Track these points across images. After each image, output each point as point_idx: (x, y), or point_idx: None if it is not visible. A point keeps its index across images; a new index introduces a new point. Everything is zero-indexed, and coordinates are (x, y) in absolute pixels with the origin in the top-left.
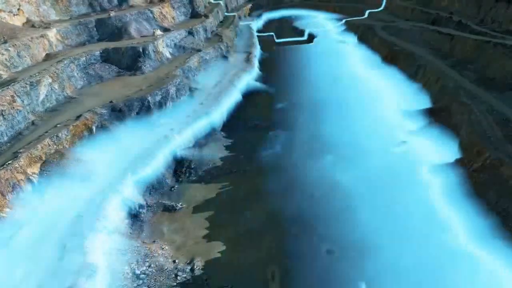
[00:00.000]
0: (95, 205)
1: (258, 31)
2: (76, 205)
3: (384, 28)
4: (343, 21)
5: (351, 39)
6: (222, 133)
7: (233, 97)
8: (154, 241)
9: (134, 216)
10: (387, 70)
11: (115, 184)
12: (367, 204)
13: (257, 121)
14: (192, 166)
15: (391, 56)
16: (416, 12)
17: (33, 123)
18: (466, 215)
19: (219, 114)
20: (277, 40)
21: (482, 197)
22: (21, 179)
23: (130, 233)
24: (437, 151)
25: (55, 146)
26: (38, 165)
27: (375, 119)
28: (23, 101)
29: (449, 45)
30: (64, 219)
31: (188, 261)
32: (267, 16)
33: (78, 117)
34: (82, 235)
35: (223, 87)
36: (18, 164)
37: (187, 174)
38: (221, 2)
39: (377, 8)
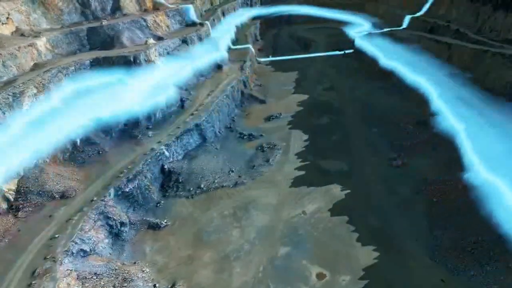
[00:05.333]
0: (72, 224)
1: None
2: (52, 225)
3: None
4: None
5: None
6: (213, 144)
7: (226, 107)
8: (134, 263)
9: (115, 235)
10: None
11: (96, 201)
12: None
13: (251, 132)
14: (180, 180)
15: None
16: (413, 20)
17: None
18: None
19: (210, 125)
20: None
21: None
22: None
23: (110, 254)
24: None
25: (34, 161)
26: (16, 181)
27: None
28: (4, 113)
29: (447, 54)
30: (37, 241)
31: (169, 285)
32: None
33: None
34: (55, 259)
35: (216, 97)
36: None
37: (175, 189)
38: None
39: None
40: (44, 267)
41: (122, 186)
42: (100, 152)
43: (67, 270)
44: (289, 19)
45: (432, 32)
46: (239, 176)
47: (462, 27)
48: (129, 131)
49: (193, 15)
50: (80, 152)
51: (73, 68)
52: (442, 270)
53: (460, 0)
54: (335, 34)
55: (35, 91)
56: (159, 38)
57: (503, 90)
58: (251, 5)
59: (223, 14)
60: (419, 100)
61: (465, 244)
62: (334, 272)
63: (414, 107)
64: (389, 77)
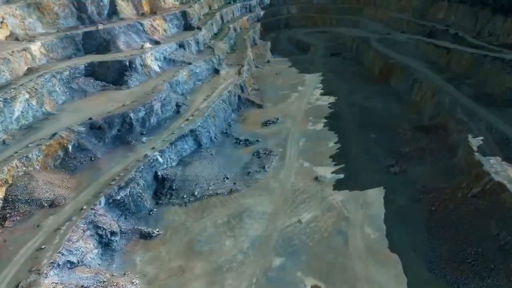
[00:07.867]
0: (60, 234)
1: None
2: (39, 235)
3: (379, 41)
4: None
5: None
6: (209, 150)
7: (222, 112)
8: (124, 274)
9: (105, 245)
10: None
11: (86, 209)
12: None
13: (247, 137)
14: (174, 187)
15: (386, 69)
16: (411, 24)
17: (4, 142)
18: None
19: (206, 130)
20: None
21: None
22: None
23: (99, 264)
24: None
25: (24, 168)
26: (4, 189)
27: None
28: None
29: (446, 59)
30: (23, 252)
31: None
32: None
33: (53, 135)
34: (40, 271)
35: (212, 101)
36: None
37: (168, 196)
38: None
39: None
40: (29, 280)
41: (114, 194)
42: (93, 159)
43: (52, 283)
44: (288, 23)
45: (430, 37)
46: (234, 183)
47: (461, 31)
48: (122, 137)
49: None
50: (71, 159)
51: (67, 72)
52: (441, 283)
53: (458, 4)
54: (334, 38)
55: (27, 96)
56: (156, 42)
57: (503, 96)
58: (251, 10)
59: (222, 19)
60: None
61: (465, 255)
62: (329, 284)
63: (412, 113)
64: None
